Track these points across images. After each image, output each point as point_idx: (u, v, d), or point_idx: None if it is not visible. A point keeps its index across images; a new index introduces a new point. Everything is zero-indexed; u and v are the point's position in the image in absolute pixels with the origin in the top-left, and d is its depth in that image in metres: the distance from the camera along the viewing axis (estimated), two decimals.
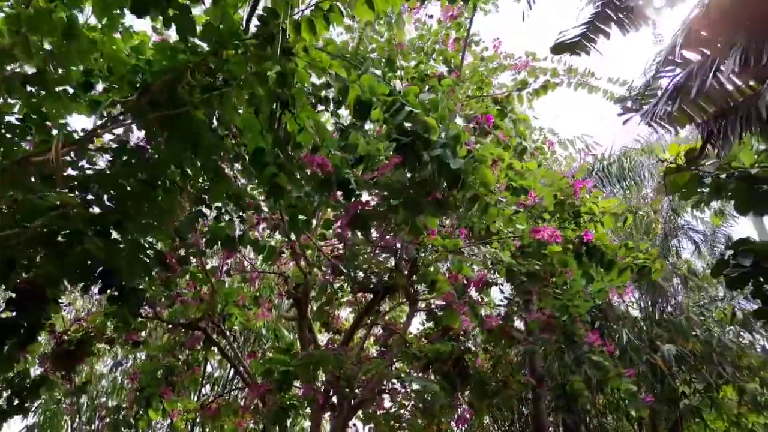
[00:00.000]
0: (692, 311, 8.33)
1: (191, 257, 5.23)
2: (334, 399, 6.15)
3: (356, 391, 6.07)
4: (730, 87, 3.32)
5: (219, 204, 4.99)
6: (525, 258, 5.74)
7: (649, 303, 9.23)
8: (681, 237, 9.50)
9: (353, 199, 3.64)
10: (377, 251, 5.00)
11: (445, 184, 3.47)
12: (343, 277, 6.00)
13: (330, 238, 6.38)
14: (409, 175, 3.78)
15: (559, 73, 5.39)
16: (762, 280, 5.09)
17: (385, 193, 3.69)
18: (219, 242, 5.09)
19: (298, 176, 4.09)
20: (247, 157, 4.03)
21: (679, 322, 8.11)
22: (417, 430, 5.47)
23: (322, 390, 5.79)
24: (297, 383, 5.47)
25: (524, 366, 8.62)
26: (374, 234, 5.51)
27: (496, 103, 5.51)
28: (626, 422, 10.02)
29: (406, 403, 6.20)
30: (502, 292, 8.14)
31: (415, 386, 7.18)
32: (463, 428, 10.08)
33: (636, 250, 4.65)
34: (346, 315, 8.58)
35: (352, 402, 5.90)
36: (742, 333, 8.51)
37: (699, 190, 4.60)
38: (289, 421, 8.45)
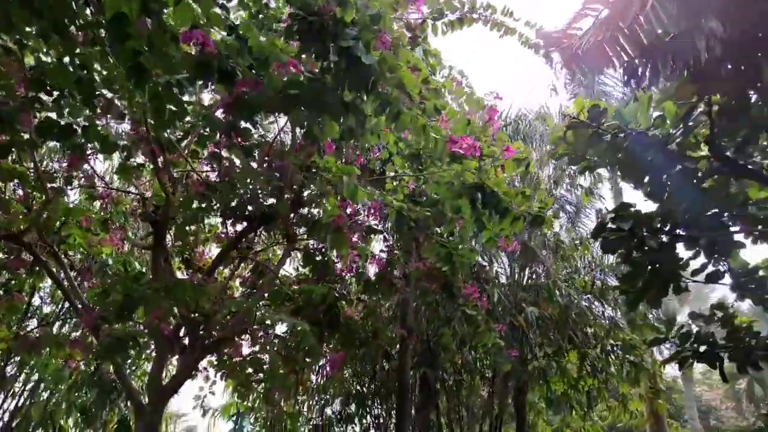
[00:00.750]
0: (558, 278, 8.75)
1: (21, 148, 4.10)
2: (186, 340, 5.42)
3: (213, 331, 5.39)
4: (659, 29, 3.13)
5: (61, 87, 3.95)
6: (416, 204, 5.43)
7: (518, 268, 9.57)
8: (556, 207, 9.94)
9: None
10: (259, 173, 4.29)
11: (353, 82, 2.89)
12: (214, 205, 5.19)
13: (203, 159, 5.52)
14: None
15: (478, 8, 5.02)
16: (634, 245, 5.22)
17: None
18: (56, 136, 4.06)
19: (169, 55, 3.24)
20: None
21: (547, 285, 8.46)
22: (276, 377, 4.94)
23: (172, 327, 5.01)
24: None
25: (396, 319, 8.50)
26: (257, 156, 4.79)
27: (409, 29, 5.00)
28: (479, 381, 10.46)
29: (269, 348, 5.65)
30: (386, 239, 7.84)
31: (281, 329, 6.64)
32: (322, 380, 9.85)
33: (532, 199, 4.49)
34: (212, 254, 7.72)
35: (206, 342, 5.21)
36: (594, 303, 9.15)
37: (590, 153, 4.54)
38: (129, 363, 7.50)
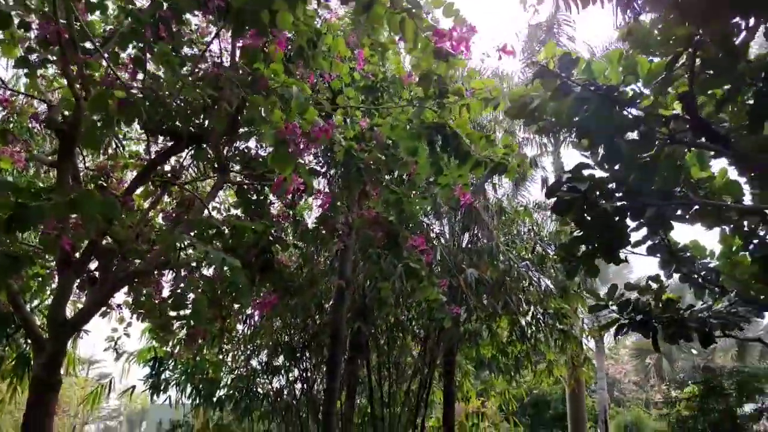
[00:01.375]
0: (500, 242, 8.63)
1: None
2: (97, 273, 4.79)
3: (129, 264, 4.78)
4: None
5: None
6: (368, 144, 4.98)
7: (459, 228, 9.41)
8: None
9: None
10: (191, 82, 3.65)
11: None
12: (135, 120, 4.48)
13: (124, 64, 4.76)
14: None
15: None
16: (587, 208, 5.04)
17: None
18: None
19: None
20: None
21: (489, 248, 8.32)
22: (199, 315, 4.43)
23: (79, 254, 4.36)
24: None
25: (333, 271, 8.12)
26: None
27: None
28: (411, 340, 10.36)
29: (193, 288, 5.10)
30: (330, 184, 7.36)
31: (207, 272, 6.11)
32: (250, 330, 9.37)
33: (496, 144, 4.15)
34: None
35: (121, 275, 4.60)
36: (532, 271, 9.14)
37: (549, 111, 4.25)
38: (30, 296, 6.69)
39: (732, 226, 7.69)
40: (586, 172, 4.53)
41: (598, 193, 4.98)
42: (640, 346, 19.58)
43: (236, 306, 6.99)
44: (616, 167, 4.45)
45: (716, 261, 6.32)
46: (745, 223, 6.55)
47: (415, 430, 9.17)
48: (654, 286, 8.05)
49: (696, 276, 7.95)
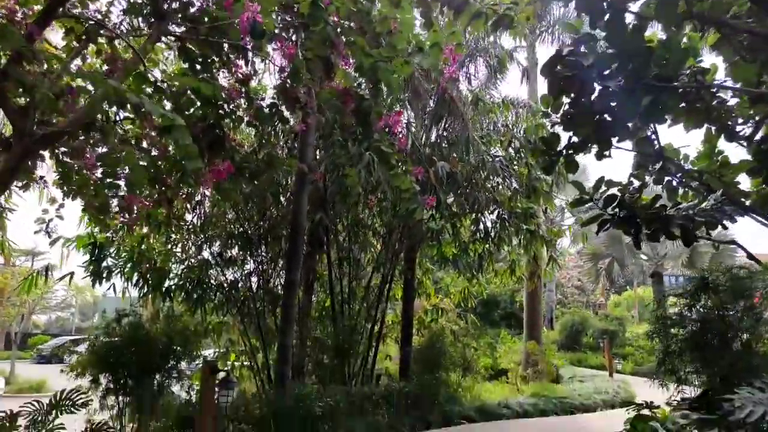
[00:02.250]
0: (475, 135, 8.04)
1: None
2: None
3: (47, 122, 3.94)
4: None
5: None
6: None
7: (430, 118, 8.73)
8: (477, 59, 9.01)
9: None
10: None
11: None
12: None
13: None
14: None
15: None
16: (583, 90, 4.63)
17: None
18: None
19: None
20: None
21: (465, 139, 7.73)
22: (136, 180, 3.73)
23: None
24: None
25: (293, 153, 7.41)
26: None
27: None
28: (372, 236, 9.99)
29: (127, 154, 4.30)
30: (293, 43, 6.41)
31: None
32: (200, 219, 8.66)
33: None
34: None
35: (37, 137, 3.77)
36: (504, 166, 8.67)
37: None
38: None
39: (718, 125, 7.24)
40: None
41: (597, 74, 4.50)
42: (594, 251, 20.20)
43: (184, 188, 6.28)
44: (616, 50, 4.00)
45: (691, 163, 6.07)
46: (740, 120, 6.17)
47: (375, 324, 9.05)
48: (636, 183, 7.66)
49: (674, 177, 7.61)
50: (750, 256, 7.53)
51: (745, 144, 6.93)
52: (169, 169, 5.71)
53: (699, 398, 4.38)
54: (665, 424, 5.68)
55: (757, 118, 7.02)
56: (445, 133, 8.87)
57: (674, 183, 7.10)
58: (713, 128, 7.20)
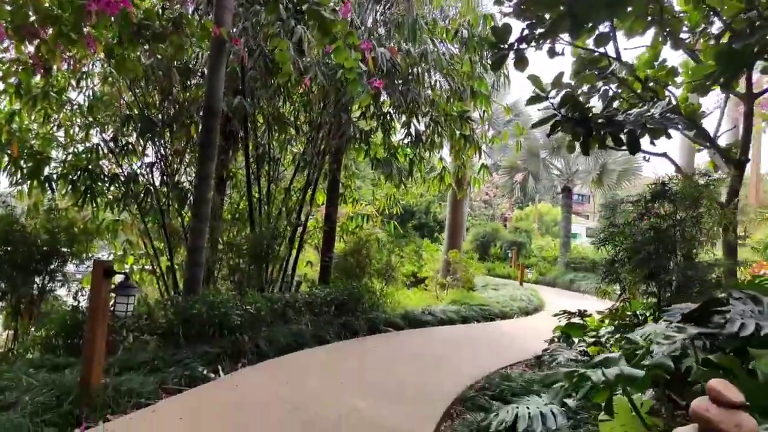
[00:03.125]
0: (421, 18, 7.13)
1: None
2: None
3: None
4: None
5: None
6: None
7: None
8: None
9: None
10: None
11: None
12: None
13: None
14: None
15: None
16: None
17: None
18: None
19: None
20: None
21: (411, 24, 6.81)
22: None
23: None
24: None
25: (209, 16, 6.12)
26: None
27: None
28: (296, 133, 9.03)
29: None
30: None
31: None
32: (87, 99, 7.17)
33: None
34: None
35: None
36: (447, 59, 7.89)
37: None
38: None
39: (667, 31, 6.86)
40: None
41: None
42: (511, 164, 20.51)
43: (65, 49, 4.95)
44: None
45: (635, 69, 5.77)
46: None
47: (296, 229, 8.37)
48: (584, 87, 7.15)
49: (610, 87, 7.26)
50: (678, 169, 7.62)
51: (689, 52, 6.68)
52: (42, 19, 4.43)
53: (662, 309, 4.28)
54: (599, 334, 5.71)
55: (702, 27, 6.74)
56: (384, 17, 7.85)
57: (610, 92, 6.84)
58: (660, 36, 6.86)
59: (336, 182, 9.27)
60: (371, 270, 8.56)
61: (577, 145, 6.91)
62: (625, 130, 5.56)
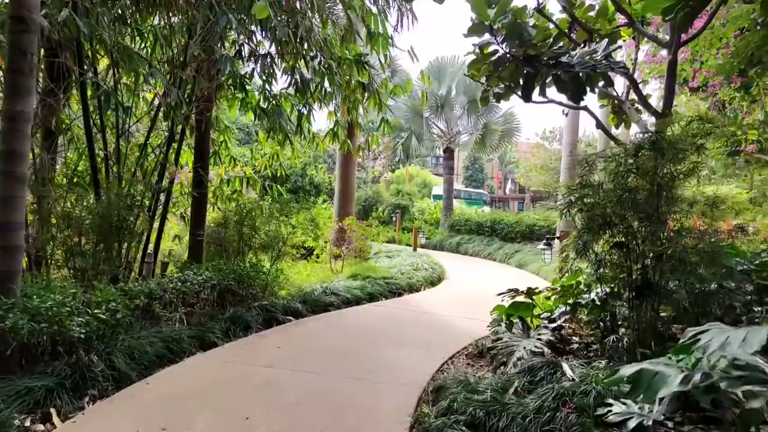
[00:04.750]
0: None
1: None
2: None
3: None
4: None
5: None
6: None
7: None
8: None
9: None
10: None
11: None
12: None
13: None
14: None
15: None
16: None
17: None
18: None
19: None
20: None
21: None
22: None
23: None
24: None
25: None
26: None
27: None
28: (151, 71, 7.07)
29: None
30: None
31: None
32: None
33: None
34: None
35: None
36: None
37: None
38: None
39: None
40: None
41: None
42: (395, 123, 19.69)
43: None
44: None
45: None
46: None
47: (157, 195, 6.60)
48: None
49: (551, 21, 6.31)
50: (599, 125, 7.19)
51: None
52: None
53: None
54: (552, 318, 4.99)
55: None
56: None
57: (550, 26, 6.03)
58: None
59: (206, 137, 7.54)
60: (256, 244, 7.12)
61: (491, 97, 6.09)
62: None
